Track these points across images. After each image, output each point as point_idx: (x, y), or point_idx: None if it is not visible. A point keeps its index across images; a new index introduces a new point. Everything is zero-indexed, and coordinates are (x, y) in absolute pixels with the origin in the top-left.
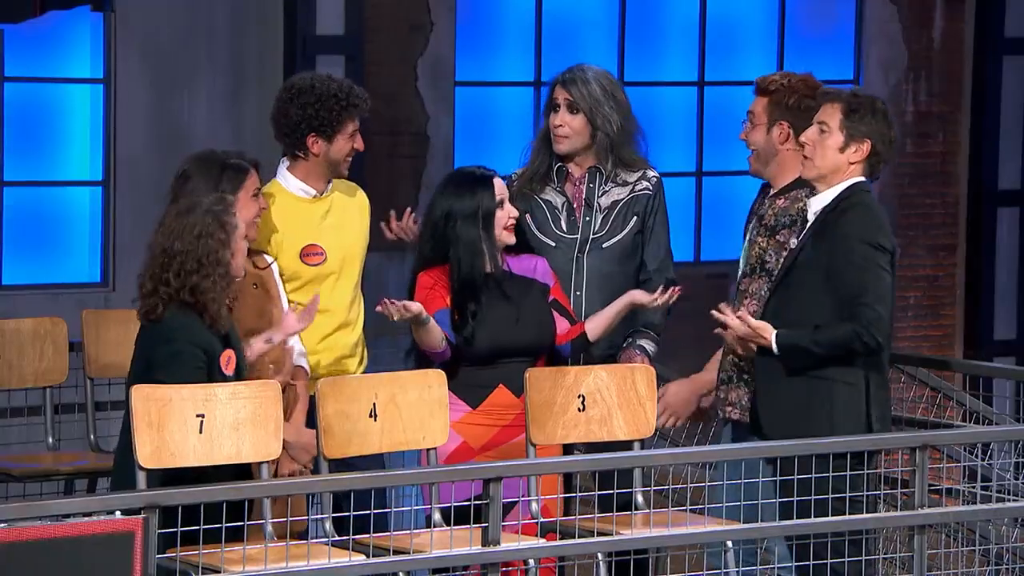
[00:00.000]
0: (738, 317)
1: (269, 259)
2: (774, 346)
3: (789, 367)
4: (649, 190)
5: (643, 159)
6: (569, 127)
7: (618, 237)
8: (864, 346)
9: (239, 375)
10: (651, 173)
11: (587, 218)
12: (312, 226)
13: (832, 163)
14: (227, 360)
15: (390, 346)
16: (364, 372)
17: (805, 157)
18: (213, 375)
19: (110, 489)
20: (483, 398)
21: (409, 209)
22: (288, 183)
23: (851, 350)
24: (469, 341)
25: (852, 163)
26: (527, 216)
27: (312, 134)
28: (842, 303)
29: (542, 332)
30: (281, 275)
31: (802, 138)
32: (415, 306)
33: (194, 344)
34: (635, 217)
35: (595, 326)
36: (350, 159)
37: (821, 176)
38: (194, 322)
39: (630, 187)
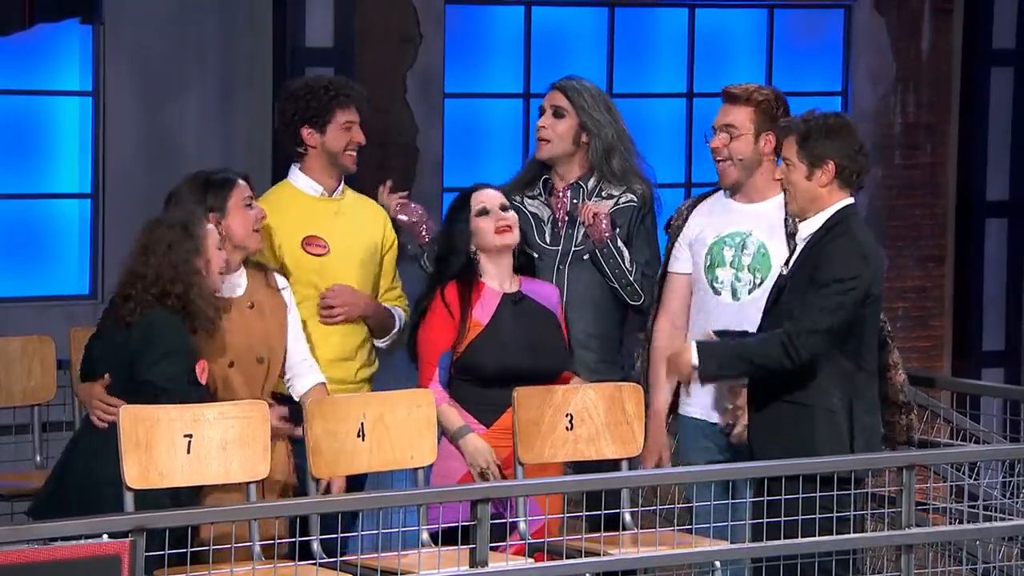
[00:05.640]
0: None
1: (282, 282)
2: (693, 352)
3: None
4: (634, 202)
5: (636, 171)
6: (551, 131)
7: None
8: (782, 347)
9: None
10: (638, 187)
11: (569, 231)
12: (317, 219)
13: (806, 194)
14: (201, 370)
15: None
16: (371, 377)
17: (785, 191)
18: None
19: (28, 513)
20: (495, 418)
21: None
22: (297, 181)
23: (773, 350)
24: None
25: (824, 187)
26: None
27: (305, 125)
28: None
29: (555, 360)
30: (283, 267)
31: (776, 176)
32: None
33: (180, 345)
34: (616, 229)
35: None
36: (352, 152)
37: (804, 210)
38: (179, 324)
39: (614, 200)
